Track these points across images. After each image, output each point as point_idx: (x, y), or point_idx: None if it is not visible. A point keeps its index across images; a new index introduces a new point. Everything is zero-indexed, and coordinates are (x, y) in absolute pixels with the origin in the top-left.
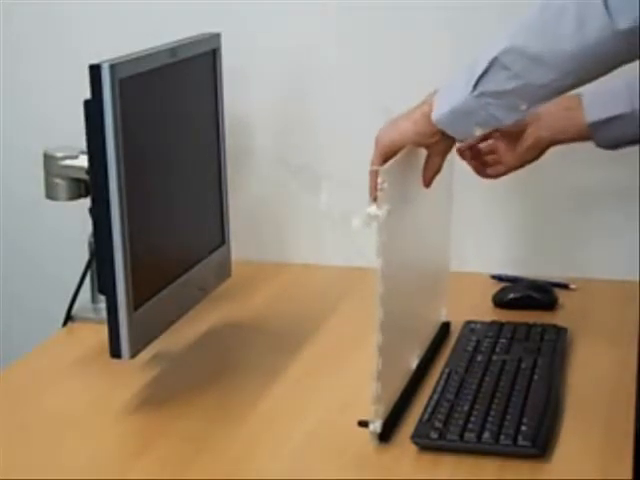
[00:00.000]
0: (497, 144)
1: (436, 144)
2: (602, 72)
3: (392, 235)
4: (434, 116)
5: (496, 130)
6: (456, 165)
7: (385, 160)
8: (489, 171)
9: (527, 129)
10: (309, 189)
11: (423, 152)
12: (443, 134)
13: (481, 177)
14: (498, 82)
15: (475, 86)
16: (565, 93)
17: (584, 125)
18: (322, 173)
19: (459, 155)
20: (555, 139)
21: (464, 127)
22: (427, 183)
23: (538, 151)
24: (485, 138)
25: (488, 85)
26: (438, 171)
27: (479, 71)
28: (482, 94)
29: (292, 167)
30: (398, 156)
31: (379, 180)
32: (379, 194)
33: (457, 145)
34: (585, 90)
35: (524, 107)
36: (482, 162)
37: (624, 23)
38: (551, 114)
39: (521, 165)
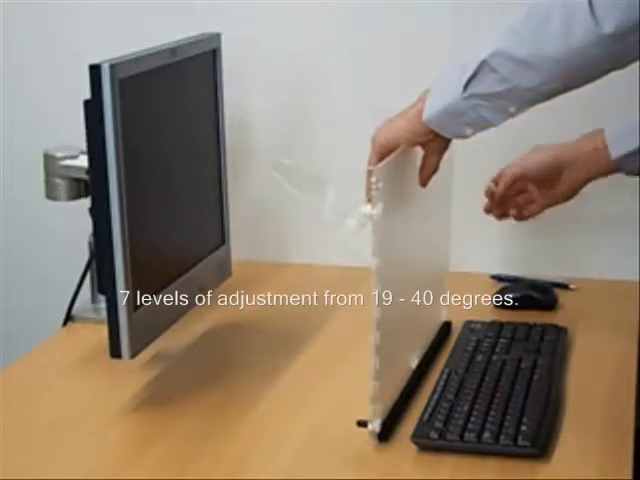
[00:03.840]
0: (530, 189)
1: (431, 143)
2: (590, 77)
3: (388, 234)
4: (425, 115)
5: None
6: (455, 164)
7: (381, 159)
8: (524, 213)
9: (562, 174)
10: (310, 189)
11: (420, 151)
12: (437, 133)
13: (518, 221)
14: (487, 85)
15: (465, 87)
16: (555, 97)
17: (612, 161)
18: (322, 174)
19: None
20: (589, 178)
21: (454, 127)
22: (424, 182)
23: (575, 192)
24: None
25: (477, 87)
26: (435, 170)
27: (469, 73)
28: (472, 96)
29: (284, 170)
30: (393, 155)
31: (373, 179)
32: (373, 193)
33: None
34: (608, 126)
35: (513, 109)
36: (515, 205)
37: (609, 27)
38: (582, 157)
39: (555, 203)
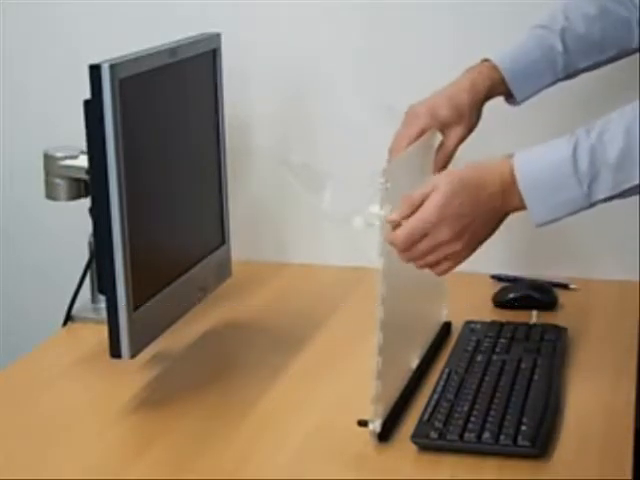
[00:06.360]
0: None
1: (453, 127)
2: None
3: None
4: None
5: None
6: (458, 165)
7: None
8: None
9: None
10: (316, 187)
11: (428, 152)
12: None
13: None
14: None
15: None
16: None
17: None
18: (322, 173)
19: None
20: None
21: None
22: (439, 165)
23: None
24: None
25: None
26: (452, 155)
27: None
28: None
29: (293, 167)
30: (402, 156)
31: (382, 180)
32: (382, 194)
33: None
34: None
35: None
36: None
37: None
38: None
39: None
